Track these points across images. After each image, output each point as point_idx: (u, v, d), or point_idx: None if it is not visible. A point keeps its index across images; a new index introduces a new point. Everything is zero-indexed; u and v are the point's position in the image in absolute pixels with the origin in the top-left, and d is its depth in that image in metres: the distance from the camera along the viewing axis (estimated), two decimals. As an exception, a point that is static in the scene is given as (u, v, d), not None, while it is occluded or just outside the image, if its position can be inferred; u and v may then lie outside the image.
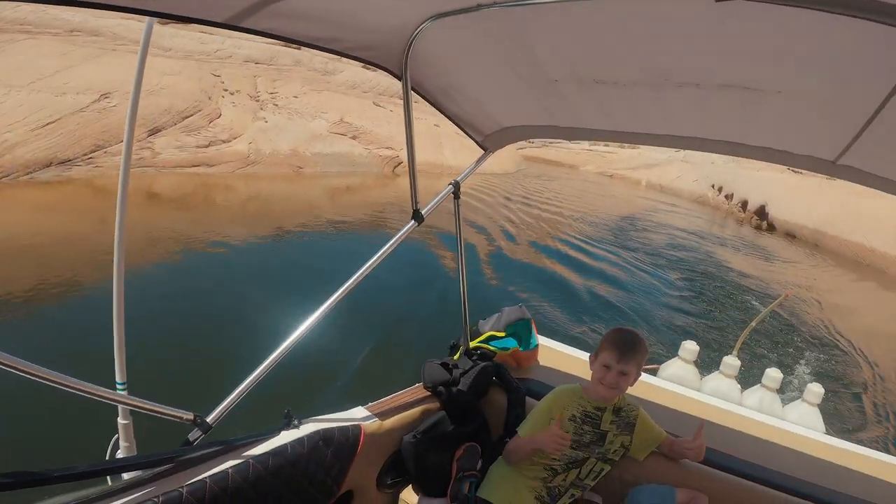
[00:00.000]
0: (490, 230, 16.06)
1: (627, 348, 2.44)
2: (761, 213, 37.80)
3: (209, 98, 17.73)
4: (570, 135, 2.79)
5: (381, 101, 30.69)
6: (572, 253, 15.75)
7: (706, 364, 6.11)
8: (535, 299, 10.90)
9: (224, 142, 16.12)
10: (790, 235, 33.15)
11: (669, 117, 2.45)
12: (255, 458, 1.81)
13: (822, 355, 11.08)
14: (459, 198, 2.80)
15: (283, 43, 26.03)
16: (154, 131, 14.51)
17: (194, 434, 1.83)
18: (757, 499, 2.55)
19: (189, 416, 1.81)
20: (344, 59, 30.71)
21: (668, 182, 55.30)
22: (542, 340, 3.71)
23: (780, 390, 4.79)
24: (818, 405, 4.60)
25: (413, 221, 2.47)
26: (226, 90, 20.25)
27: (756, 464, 2.84)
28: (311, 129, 20.34)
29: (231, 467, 1.72)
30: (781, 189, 37.89)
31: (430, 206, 2.53)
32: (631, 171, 65.25)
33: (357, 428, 2.23)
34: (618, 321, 10.90)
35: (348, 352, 6.98)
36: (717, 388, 4.70)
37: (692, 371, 4.90)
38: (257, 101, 21.27)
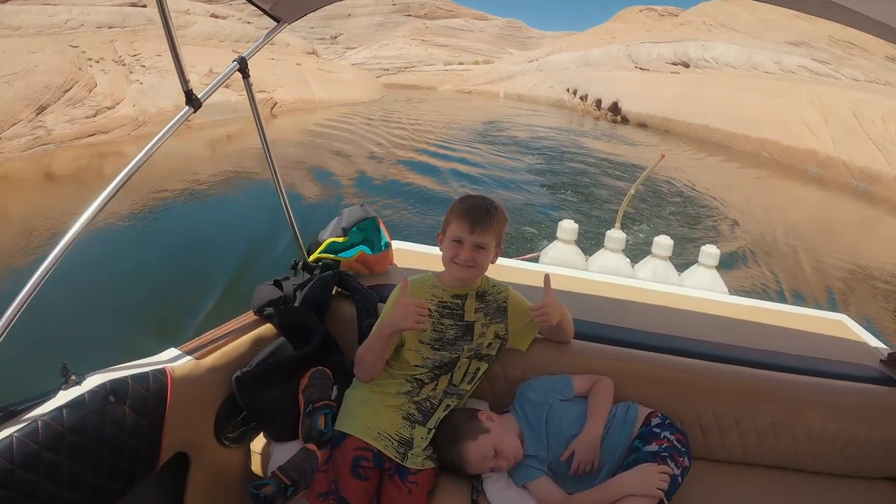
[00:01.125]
0: (355, 155, 17.02)
1: (481, 214, 2.10)
2: (614, 108, 41.03)
3: (79, 69, 17.53)
4: None
5: (238, 49, 30.61)
6: (439, 157, 17.23)
7: (589, 244, 6.05)
8: (400, 208, 10.84)
9: (109, 108, 16.26)
10: (642, 125, 36.51)
11: None
12: (19, 431, 1.39)
13: (690, 209, 13.79)
14: (249, 76, 2.27)
15: (129, 2, 25.22)
16: (41, 109, 14.49)
17: None
18: (665, 371, 2.40)
19: None
20: (193, 12, 30.03)
21: (524, 91, 57.64)
22: (396, 243, 3.33)
23: (672, 258, 4.65)
24: (716, 267, 4.49)
25: (187, 107, 1.97)
26: (90, 59, 19.88)
27: (660, 333, 2.69)
28: (193, 81, 20.52)
29: None
30: (630, 86, 41.39)
31: (209, 87, 2.06)
32: (489, 86, 66.72)
33: (161, 372, 1.79)
34: None
35: (161, 295, 6.32)
36: (606, 265, 4.51)
37: (575, 251, 4.68)
38: (124, 65, 20.98)
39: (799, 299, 8.49)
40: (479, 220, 2.08)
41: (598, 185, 15.61)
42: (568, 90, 50.18)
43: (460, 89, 66.66)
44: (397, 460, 2.11)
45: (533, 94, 54.51)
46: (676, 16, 64.40)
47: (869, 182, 22.20)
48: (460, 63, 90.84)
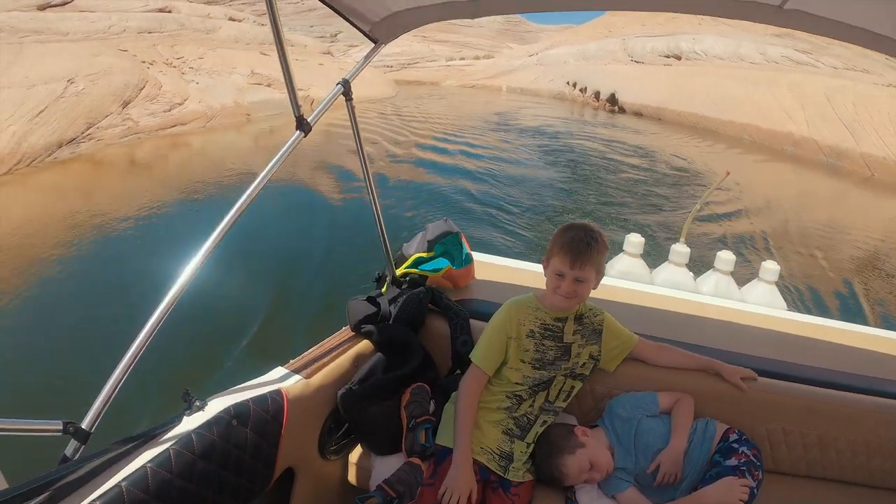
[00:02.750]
0: (404, 142, 18.86)
1: (581, 250, 2.14)
2: (612, 99, 43.76)
3: (145, 70, 20.20)
4: (476, 10, 2.31)
5: (265, 50, 33.20)
6: (472, 148, 19.14)
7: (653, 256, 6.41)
8: (450, 213, 10.65)
9: (179, 104, 18.89)
10: (638, 114, 39.34)
11: None
12: (153, 461, 1.41)
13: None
14: (352, 99, 2.38)
15: (157, 8, 27.68)
16: (125, 104, 17.17)
17: (72, 447, 1.41)
18: (739, 388, 2.46)
19: (57, 425, 1.36)
20: (214, 16, 32.54)
21: (526, 85, 59.16)
22: (477, 256, 3.38)
23: (734, 272, 4.71)
24: (776, 283, 4.57)
25: (298, 132, 2.04)
26: (143, 61, 22.47)
27: (725, 350, 2.76)
28: (233, 83, 23.11)
29: (124, 480, 1.34)
30: (626, 78, 44.39)
31: (317, 111, 2.13)
32: (490, 80, 67.61)
33: (277, 393, 1.85)
34: (536, 217, 11.56)
35: (253, 310, 6.44)
36: (670, 279, 4.60)
37: (640, 265, 4.78)
38: (174, 67, 23.54)
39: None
40: (580, 255, 2.13)
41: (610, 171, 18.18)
42: (568, 83, 52.56)
43: (463, 84, 67.37)
44: (500, 473, 2.21)
45: (535, 88, 56.64)
46: (671, 8, 66.08)
47: (837, 158, 25.45)
48: (462, 59, 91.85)
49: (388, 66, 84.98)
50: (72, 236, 8.81)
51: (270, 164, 1.93)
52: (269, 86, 24.56)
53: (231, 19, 38.17)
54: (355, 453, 2.43)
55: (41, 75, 17.17)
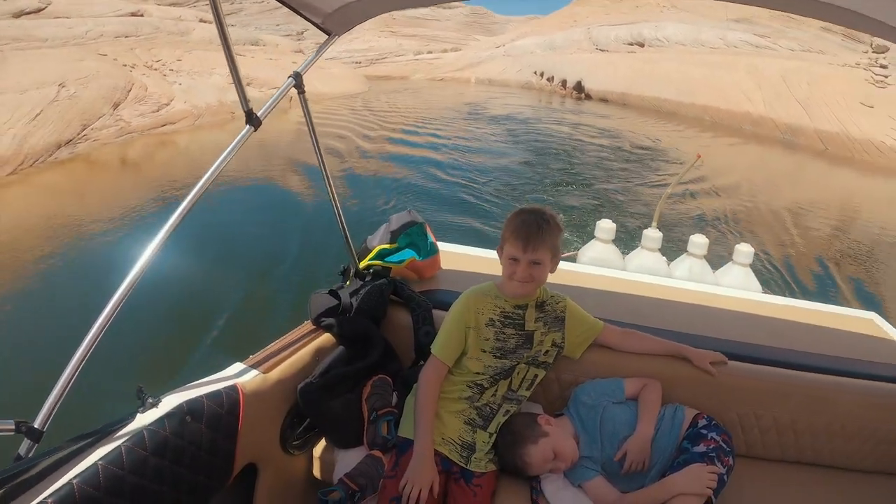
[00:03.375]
0: (375, 136, 19.45)
1: (533, 233, 2.15)
2: (578, 87, 45.14)
3: (128, 73, 20.91)
4: None
5: (239, 51, 33.96)
6: (442, 137, 20.19)
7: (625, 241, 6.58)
8: (415, 200, 11.17)
9: (166, 105, 19.64)
10: (604, 100, 40.79)
11: None
12: (104, 459, 1.43)
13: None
14: (304, 92, 2.31)
15: (129, 13, 28.23)
16: (115, 105, 17.92)
17: (25, 446, 1.41)
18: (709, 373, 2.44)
19: (9, 425, 1.36)
20: (185, 18, 33.14)
21: (495, 75, 59.95)
22: (442, 246, 3.37)
23: (708, 256, 4.66)
24: (749, 265, 4.54)
25: (248, 127, 1.99)
26: (124, 65, 23.12)
27: (698, 335, 2.75)
28: (214, 83, 23.82)
29: (76, 478, 1.36)
30: (592, 66, 45.95)
31: (267, 105, 2.08)
32: (459, 72, 67.97)
33: (233, 389, 1.85)
34: (504, 200, 11.77)
35: (220, 306, 6.41)
36: (643, 264, 4.55)
37: (613, 250, 4.73)
38: (155, 69, 24.20)
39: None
40: (531, 238, 2.13)
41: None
42: (535, 73, 53.88)
43: (432, 77, 67.80)
44: (461, 464, 2.19)
45: (503, 78, 57.64)
46: (634, -4, 67.63)
47: (793, 134, 27.15)
48: (429, 52, 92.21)
49: (356, 62, 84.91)
50: (51, 239, 8.93)
51: (220, 159, 1.89)
52: (248, 84, 25.19)
53: (202, 21, 38.73)
54: (319, 447, 2.42)
55: (31, 81, 17.78)
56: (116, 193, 12.70)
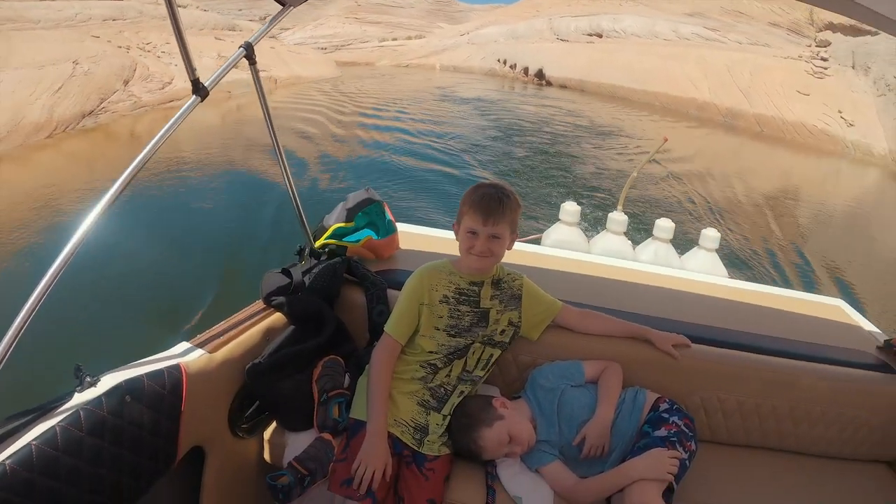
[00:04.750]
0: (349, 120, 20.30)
1: (494, 205, 2.11)
2: (540, 74, 47.88)
3: (126, 53, 22.64)
4: None
5: (220, 35, 35.66)
6: (409, 119, 21.35)
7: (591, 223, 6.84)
8: (384, 187, 10.95)
9: (168, 83, 21.51)
10: (563, 87, 43.63)
11: None
12: (38, 439, 1.38)
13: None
14: (255, 62, 2.26)
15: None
16: (125, 82, 19.74)
17: None
18: (671, 356, 2.42)
19: None
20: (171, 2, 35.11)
21: (459, 63, 61.80)
22: (401, 226, 3.29)
23: (674, 240, 4.62)
24: (716, 250, 4.51)
25: (195, 97, 1.94)
26: (119, 46, 24.71)
27: (664, 318, 2.72)
28: (205, 65, 25.51)
29: (9, 458, 1.31)
30: (552, 55, 48.79)
31: (215, 75, 2.04)
32: (424, 59, 69.23)
33: (175, 368, 1.79)
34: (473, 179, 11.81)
35: (168, 286, 6.34)
36: (608, 247, 4.52)
37: (577, 233, 4.66)
38: (148, 51, 25.84)
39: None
40: (492, 210, 2.09)
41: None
42: (499, 60, 56.21)
43: (397, 64, 68.54)
44: (414, 447, 2.14)
45: (468, 65, 59.65)
46: (594, -12, 69.76)
47: (733, 118, 30.68)
48: (394, 39, 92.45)
49: (321, 48, 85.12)
50: (36, 213, 8.95)
51: (164, 129, 1.81)
52: (236, 67, 27.09)
53: (179, 6, 39.62)
54: (269, 430, 2.36)
55: (45, 58, 19.29)
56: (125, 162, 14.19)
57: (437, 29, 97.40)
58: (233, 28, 40.36)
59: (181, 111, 1.89)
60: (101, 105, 18.23)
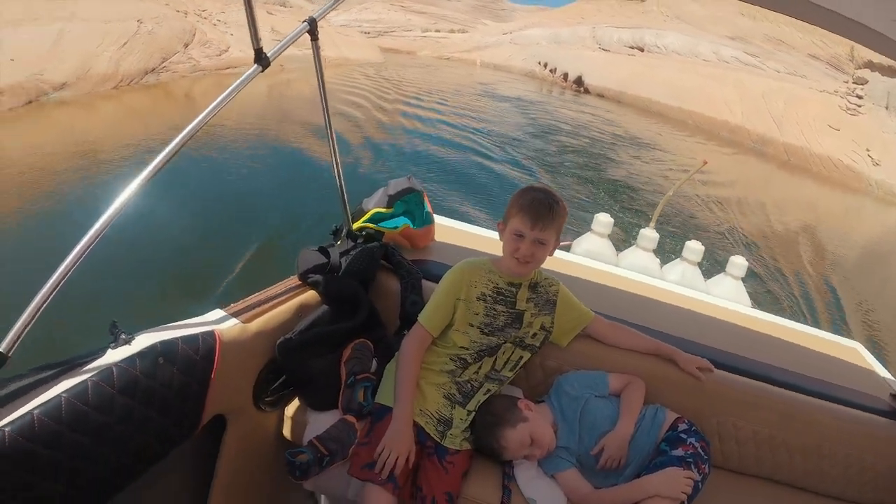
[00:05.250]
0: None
1: (543, 211, 2.10)
2: (579, 81, 48.48)
3: (184, 18, 23.62)
4: None
5: (272, 10, 36.70)
6: (451, 113, 21.76)
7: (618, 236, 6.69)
8: (425, 176, 10.88)
9: (224, 51, 22.49)
10: (600, 96, 44.22)
11: None
12: (68, 392, 1.37)
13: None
14: (317, 38, 2.20)
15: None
16: (185, 45, 20.73)
17: None
18: (693, 377, 2.42)
19: None
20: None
21: (500, 61, 62.41)
22: (438, 219, 3.30)
23: (702, 264, 4.66)
24: (742, 279, 4.53)
25: (256, 66, 1.91)
26: (177, 11, 25.70)
27: (684, 339, 2.72)
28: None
29: (37, 408, 1.31)
30: (593, 64, 49.52)
31: (278, 46, 2.00)
32: (466, 54, 69.89)
33: (210, 335, 1.78)
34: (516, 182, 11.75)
35: (220, 256, 6.42)
36: (636, 263, 4.54)
37: (607, 245, 4.71)
38: (205, 18, 26.80)
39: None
40: (541, 216, 2.08)
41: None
42: (539, 63, 56.95)
43: (439, 55, 69.07)
44: (436, 439, 2.14)
45: (508, 64, 60.32)
46: (642, 1, 69.45)
47: (762, 144, 31.27)
48: (437, 30, 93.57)
49: (365, 33, 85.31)
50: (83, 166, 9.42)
51: (223, 94, 1.79)
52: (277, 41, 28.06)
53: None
54: (292, 407, 2.35)
55: (112, 13, 20.24)
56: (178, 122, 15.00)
57: (481, 25, 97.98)
58: (284, 4, 41.45)
59: (242, 78, 1.85)
60: (163, 64, 19.21)
